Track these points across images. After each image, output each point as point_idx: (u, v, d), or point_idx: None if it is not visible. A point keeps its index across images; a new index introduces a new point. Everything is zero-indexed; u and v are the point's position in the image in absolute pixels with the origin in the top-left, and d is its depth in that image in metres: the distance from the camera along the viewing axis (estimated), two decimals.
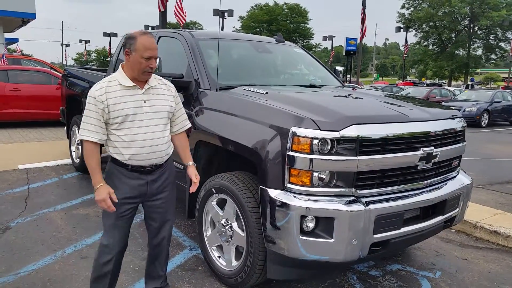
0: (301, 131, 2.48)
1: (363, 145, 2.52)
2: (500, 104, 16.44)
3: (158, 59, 2.37)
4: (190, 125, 2.67)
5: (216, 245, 3.14)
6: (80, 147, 5.96)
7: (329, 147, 2.46)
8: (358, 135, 2.50)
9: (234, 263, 2.96)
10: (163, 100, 2.40)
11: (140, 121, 2.29)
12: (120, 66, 2.37)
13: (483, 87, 38.83)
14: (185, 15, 13.61)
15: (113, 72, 4.88)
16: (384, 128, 2.64)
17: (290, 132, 2.51)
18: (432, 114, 3.04)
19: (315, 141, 2.45)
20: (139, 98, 2.31)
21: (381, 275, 3.33)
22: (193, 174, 2.58)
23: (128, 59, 2.28)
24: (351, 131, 2.49)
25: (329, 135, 2.46)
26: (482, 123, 15.50)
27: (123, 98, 2.26)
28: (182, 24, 13.99)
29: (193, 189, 2.59)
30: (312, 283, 3.13)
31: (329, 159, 2.46)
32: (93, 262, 2.53)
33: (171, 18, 14.96)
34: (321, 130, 2.46)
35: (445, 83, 46.44)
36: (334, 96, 3.56)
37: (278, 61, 4.65)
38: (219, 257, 3.12)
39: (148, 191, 2.41)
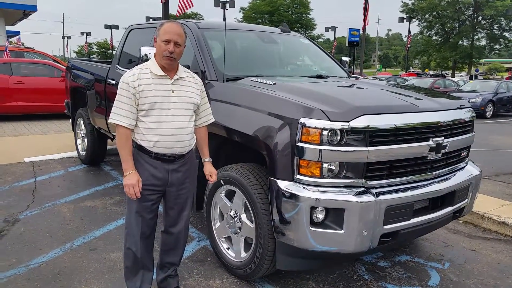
0: (310, 122, 2.47)
1: (373, 136, 2.51)
2: (505, 94, 16.32)
3: (181, 48, 2.37)
4: (213, 119, 2.69)
5: (225, 236, 3.14)
6: (85, 139, 5.97)
7: (338, 138, 2.45)
8: (368, 126, 2.48)
9: (243, 254, 2.96)
10: (191, 92, 2.45)
11: (167, 110, 2.35)
12: (153, 55, 2.42)
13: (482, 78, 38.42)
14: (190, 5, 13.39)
15: (117, 64, 4.96)
16: (393, 119, 2.62)
17: (299, 123, 2.50)
18: (441, 104, 3.02)
19: (325, 132, 2.43)
20: (168, 88, 2.37)
21: (390, 266, 3.33)
22: (208, 172, 2.64)
23: (155, 45, 2.37)
24: (360, 122, 2.47)
25: (338, 125, 2.44)
26: (487, 114, 15.41)
27: (153, 86, 2.33)
28: (178, 15, 13.72)
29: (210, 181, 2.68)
30: (321, 274, 3.14)
31: (338, 150, 2.45)
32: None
33: (173, 9, 14.86)
34: (330, 120, 2.45)
35: (448, 74, 46.13)
36: (342, 86, 3.53)
37: (284, 51, 4.61)
38: (228, 248, 3.13)
39: (170, 180, 2.45)
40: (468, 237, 4.03)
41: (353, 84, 3.61)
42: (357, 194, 2.47)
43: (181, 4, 12.78)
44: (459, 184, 3.00)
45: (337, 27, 45.56)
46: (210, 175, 2.63)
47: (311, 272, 3.15)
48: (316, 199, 2.44)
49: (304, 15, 54.27)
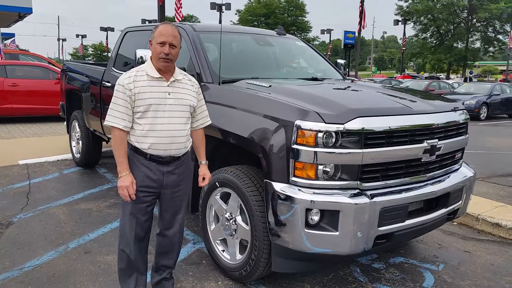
0: (305, 124, 2.48)
1: (367, 138, 2.52)
2: (499, 97, 16.45)
3: (177, 49, 2.38)
4: (210, 121, 2.69)
5: (220, 239, 3.14)
6: (80, 142, 5.95)
7: (333, 140, 2.46)
8: (363, 128, 2.49)
9: (239, 256, 2.96)
10: (187, 95, 2.46)
11: (163, 112, 2.35)
12: (149, 57, 2.43)
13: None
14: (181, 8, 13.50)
15: (113, 67, 4.95)
16: (388, 121, 2.63)
17: (295, 125, 2.50)
18: (436, 106, 3.04)
19: (320, 134, 2.44)
20: (164, 90, 2.37)
21: (385, 267, 3.34)
22: (202, 174, 2.65)
23: (151, 48, 2.37)
24: (355, 124, 2.49)
25: (333, 128, 2.45)
26: (481, 116, 15.52)
27: (149, 88, 2.33)
28: (179, 20, 13.86)
29: (201, 185, 2.69)
30: (316, 276, 3.14)
31: (333, 152, 2.46)
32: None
33: (169, 11, 14.85)
34: (325, 123, 2.46)
35: (443, 77, 46.38)
36: (337, 88, 3.55)
37: (280, 54, 4.63)
38: (223, 250, 3.12)
39: (165, 182, 2.45)
40: (462, 238, 4.05)
41: (348, 87, 3.63)
42: (352, 196, 2.48)
43: (176, 12, 12.89)
44: (453, 186, 3.02)
45: (332, 30, 45.79)
46: (203, 178, 2.64)
47: (306, 274, 3.15)
48: (311, 201, 2.44)
49: (299, 17, 54.43)
